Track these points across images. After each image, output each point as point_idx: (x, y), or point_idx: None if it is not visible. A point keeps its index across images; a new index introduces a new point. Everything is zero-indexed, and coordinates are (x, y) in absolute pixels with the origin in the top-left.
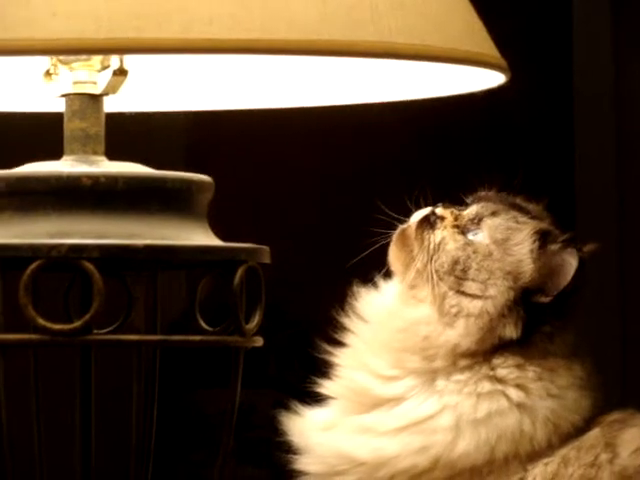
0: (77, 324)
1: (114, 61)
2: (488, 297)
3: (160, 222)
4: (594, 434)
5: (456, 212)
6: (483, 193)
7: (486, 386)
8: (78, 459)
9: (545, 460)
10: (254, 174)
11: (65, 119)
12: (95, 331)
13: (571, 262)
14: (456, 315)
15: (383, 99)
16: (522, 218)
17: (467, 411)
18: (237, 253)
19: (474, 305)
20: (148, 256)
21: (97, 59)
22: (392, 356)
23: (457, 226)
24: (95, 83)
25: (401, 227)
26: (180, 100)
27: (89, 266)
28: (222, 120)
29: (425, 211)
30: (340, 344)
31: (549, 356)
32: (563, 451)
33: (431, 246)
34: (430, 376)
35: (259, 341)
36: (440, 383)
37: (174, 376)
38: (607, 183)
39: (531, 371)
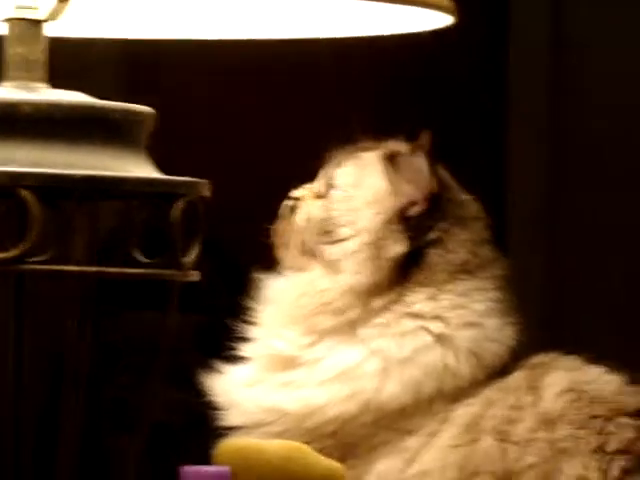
0: (12, 253)
1: None
2: (360, 231)
3: (100, 152)
4: (518, 376)
5: (312, 185)
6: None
7: (406, 324)
8: (11, 388)
9: (469, 401)
10: (195, 107)
11: (6, 44)
12: (30, 260)
13: (422, 165)
14: (340, 260)
15: (326, 35)
16: (367, 154)
17: (392, 352)
18: (177, 186)
19: (351, 244)
20: (87, 186)
21: None
22: (303, 324)
23: (318, 196)
24: (37, 8)
25: (274, 227)
26: (120, 28)
27: (26, 194)
28: (164, 51)
29: (286, 203)
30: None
31: (455, 272)
32: (487, 392)
33: (298, 226)
34: (349, 329)
35: (195, 275)
36: (361, 331)
37: (104, 301)
38: (540, 131)
39: (445, 300)
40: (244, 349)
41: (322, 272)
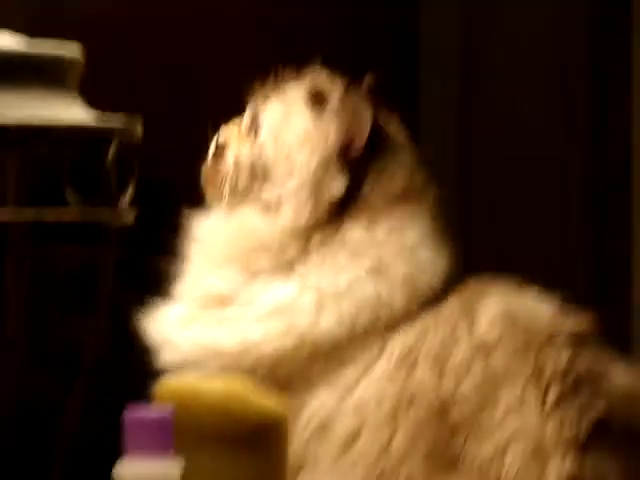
0: None
1: None
2: (298, 172)
3: (32, 95)
4: (452, 304)
5: (238, 125)
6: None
7: (342, 257)
8: None
9: (404, 329)
10: (125, 45)
11: None
12: None
13: (359, 104)
14: (279, 202)
15: None
16: (292, 92)
17: (327, 287)
18: (110, 126)
19: (290, 185)
20: (19, 130)
21: None
22: (238, 263)
23: (244, 136)
24: None
25: (204, 168)
26: None
27: None
28: None
29: (213, 145)
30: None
31: (391, 202)
32: (421, 321)
33: (228, 169)
34: (286, 267)
35: (131, 215)
36: (299, 268)
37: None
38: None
39: (380, 231)
40: (178, 288)
41: (257, 212)
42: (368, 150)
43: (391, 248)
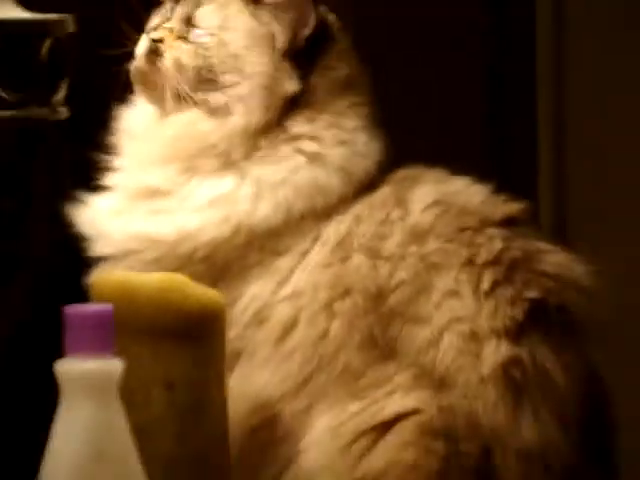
0: None
1: None
2: (248, 75)
3: None
4: (386, 191)
5: (170, 25)
6: None
7: (283, 149)
8: None
9: (338, 218)
10: None
11: None
12: None
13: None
14: (230, 104)
15: None
16: None
17: (267, 177)
18: (42, 24)
19: (241, 88)
20: None
21: None
22: (179, 164)
23: (180, 37)
24: None
25: (133, 66)
26: None
27: None
28: None
29: (143, 44)
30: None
31: (335, 90)
32: (355, 209)
33: (169, 73)
34: (230, 167)
35: (65, 113)
36: (242, 164)
37: None
38: None
39: (321, 120)
40: (109, 179)
41: (202, 115)
42: (312, 41)
43: (331, 136)
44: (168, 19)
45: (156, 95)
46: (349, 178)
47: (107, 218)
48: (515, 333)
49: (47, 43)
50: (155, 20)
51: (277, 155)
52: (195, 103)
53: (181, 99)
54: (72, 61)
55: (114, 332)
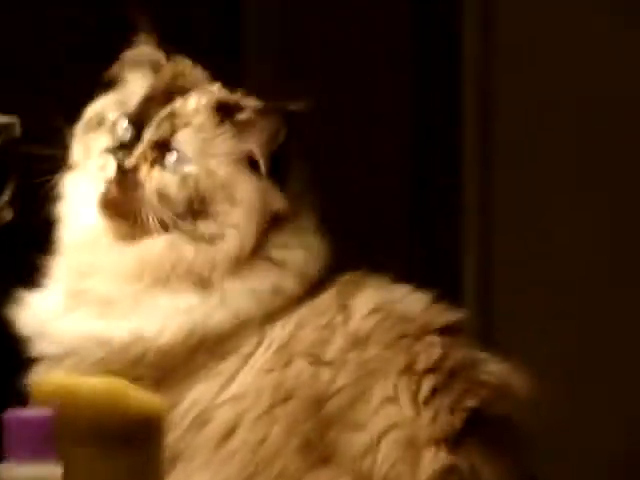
0: None
1: None
2: (239, 202)
3: None
4: (329, 295)
5: (141, 149)
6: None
7: (258, 262)
8: None
9: (283, 321)
10: None
11: None
12: None
13: (273, 118)
14: (220, 231)
15: None
16: (191, 110)
17: (234, 288)
18: None
19: (234, 216)
20: None
21: None
22: (146, 283)
23: (154, 161)
24: None
25: (101, 192)
26: None
27: None
28: None
29: (111, 169)
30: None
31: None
32: (298, 313)
33: (152, 203)
34: (204, 285)
35: (9, 214)
36: (217, 284)
37: None
38: None
39: (289, 227)
40: (53, 280)
41: (184, 240)
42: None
43: (296, 243)
44: (132, 143)
45: (127, 220)
46: (303, 279)
47: (52, 317)
48: (453, 442)
49: None
50: (109, 140)
51: (250, 269)
52: (177, 229)
53: (161, 226)
54: (17, 164)
55: (54, 436)
